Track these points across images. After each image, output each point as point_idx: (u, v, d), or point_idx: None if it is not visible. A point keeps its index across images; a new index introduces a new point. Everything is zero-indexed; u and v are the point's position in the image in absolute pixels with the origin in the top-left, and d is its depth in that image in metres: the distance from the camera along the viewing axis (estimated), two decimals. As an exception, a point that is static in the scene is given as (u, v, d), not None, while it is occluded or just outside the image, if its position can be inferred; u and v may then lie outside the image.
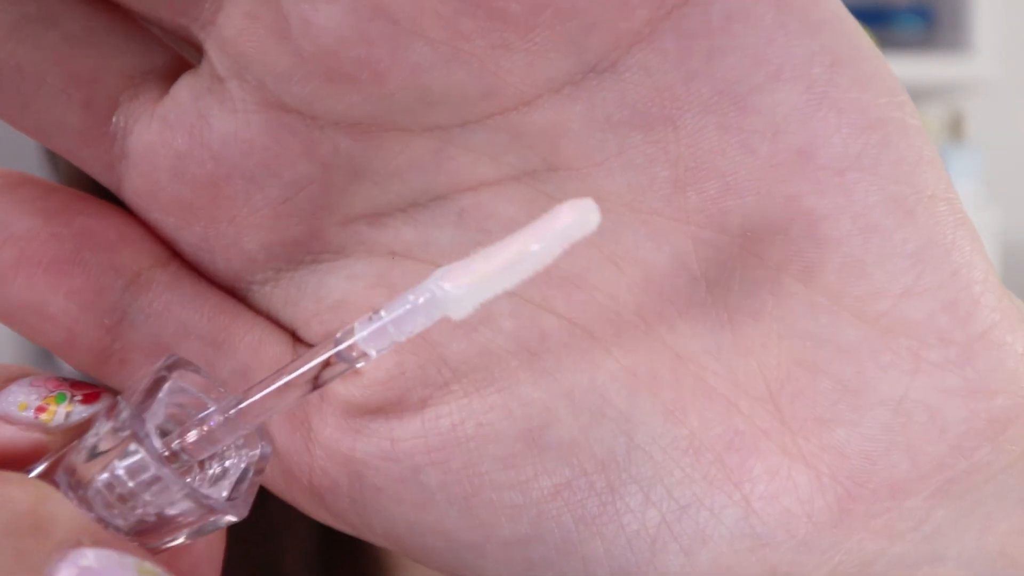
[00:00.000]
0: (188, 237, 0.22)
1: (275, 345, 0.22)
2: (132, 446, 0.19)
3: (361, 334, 0.19)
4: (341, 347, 0.19)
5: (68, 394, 0.21)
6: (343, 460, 0.22)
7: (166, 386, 0.20)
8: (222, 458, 0.21)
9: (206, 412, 0.20)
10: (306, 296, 0.22)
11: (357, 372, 0.22)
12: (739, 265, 0.21)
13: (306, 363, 0.20)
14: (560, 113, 0.20)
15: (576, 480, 0.22)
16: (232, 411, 0.20)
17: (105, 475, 0.19)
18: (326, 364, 0.20)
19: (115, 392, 0.21)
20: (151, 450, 0.19)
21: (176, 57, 0.21)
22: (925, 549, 0.21)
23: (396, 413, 0.22)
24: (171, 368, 0.20)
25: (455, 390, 0.22)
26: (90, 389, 0.21)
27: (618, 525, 0.22)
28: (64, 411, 0.21)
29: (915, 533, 0.21)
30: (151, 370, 0.20)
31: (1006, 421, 0.20)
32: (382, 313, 0.19)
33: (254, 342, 0.22)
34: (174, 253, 0.22)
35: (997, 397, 0.20)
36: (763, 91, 0.19)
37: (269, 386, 0.20)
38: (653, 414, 0.21)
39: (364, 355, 0.19)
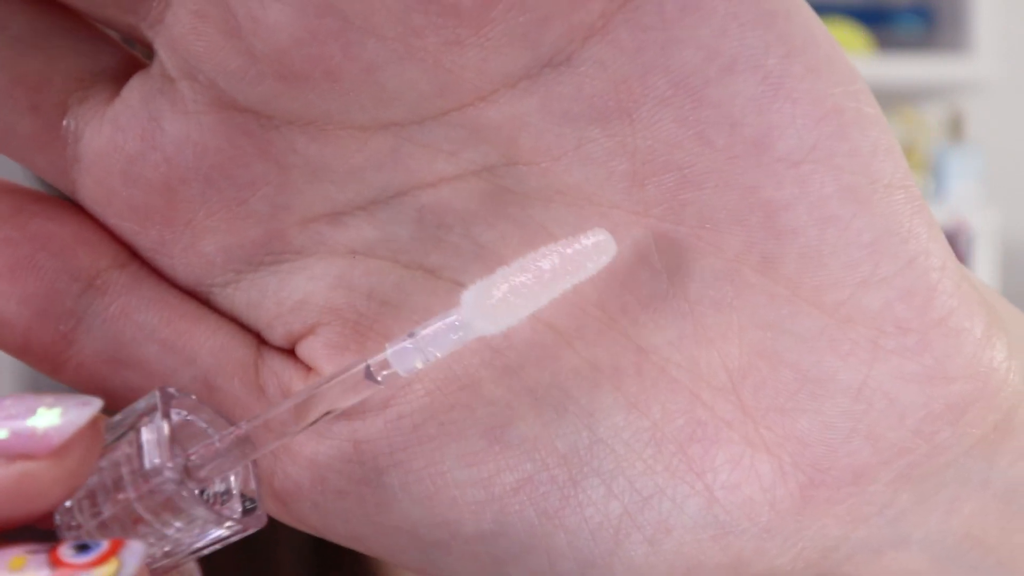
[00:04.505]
0: (145, 241, 0.21)
1: (239, 349, 0.22)
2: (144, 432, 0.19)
3: (391, 351, 0.20)
4: (359, 367, 0.20)
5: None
6: (306, 464, 0.22)
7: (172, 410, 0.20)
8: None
9: (219, 434, 0.20)
10: (267, 298, 0.22)
11: (319, 375, 0.22)
12: (699, 256, 0.21)
13: (330, 381, 0.20)
14: (517, 108, 0.20)
15: (538, 474, 0.22)
16: (243, 430, 0.20)
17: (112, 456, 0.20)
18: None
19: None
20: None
21: (128, 57, 0.21)
22: (889, 533, 0.21)
23: (358, 415, 0.22)
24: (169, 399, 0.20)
25: (417, 390, 0.22)
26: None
27: (581, 517, 0.22)
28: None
29: (879, 517, 0.21)
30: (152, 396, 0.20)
31: (965, 405, 0.20)
32: (417, 332, 0.20)
33: (216, 347, 0.22)
34: (133, 253, 0.22)
35: (955, 382, 0.20)
36: (718, 83, 0.19)
37: (276, 408, 0.20)
38: (615, 407, 0.21)
39: (395, 376, 0.20)
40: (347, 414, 0.22)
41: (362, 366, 0.20)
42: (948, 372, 0.20)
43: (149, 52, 0.20)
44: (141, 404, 0.20)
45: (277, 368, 0.22)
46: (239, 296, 0.22)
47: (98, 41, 0.21)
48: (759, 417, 0.21)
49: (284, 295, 0.22)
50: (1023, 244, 1.86)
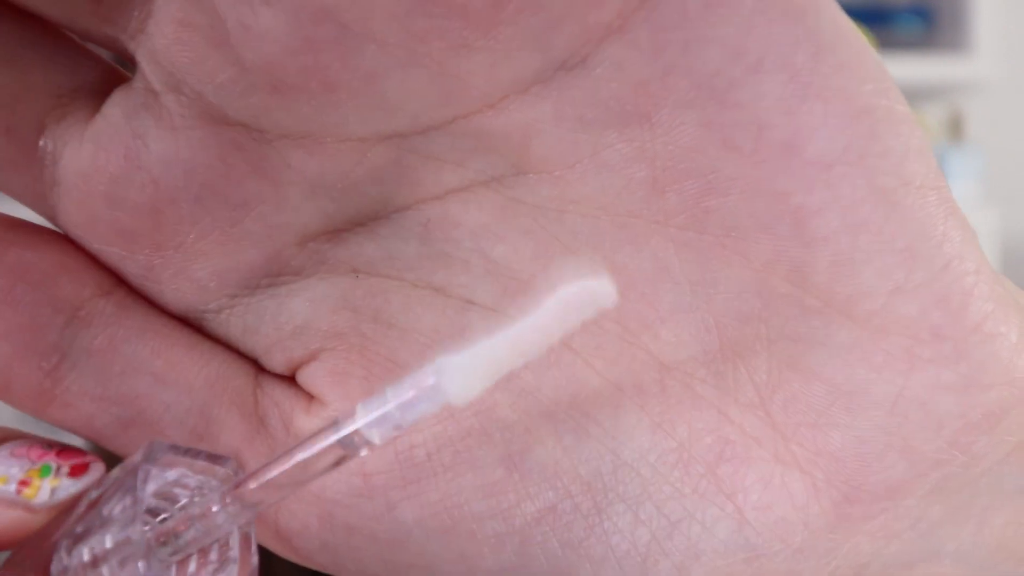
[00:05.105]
0: (131, 268, 0.20)
1: (235, 378, 0.21)
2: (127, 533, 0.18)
3: (364, 421, 0.18)
4: (343, 433, 0.18)
5: (54, 466, 0.19)
6: (312, 500, 0.21)
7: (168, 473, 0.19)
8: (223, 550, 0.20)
9: (198, 502, 0.19)
10: (265, 323, 0.21)
11: (322, 404, 0.21)
12: (723, 267, 0.19)
13: (303, 451, 0.19)
14: (528, 114, 0.19)
15: (561, 503, 0.21)
16: (227, 501, 0.19)
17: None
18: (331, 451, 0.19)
19: (105, 460, 0.20)
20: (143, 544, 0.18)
21: (108, 71, 0.20)
22: (922, 546, 0.20)
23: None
24: (155, 457, 0.19)
25: (428, 417, 0.21)
26: (79, 459, 0.20)
27: (607, 547, 0.21)
28: (49, 487, 0.19)
29: (911, 531, 0.20)
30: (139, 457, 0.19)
31: (1001, 413, 0.19)
32: (387, 394, 0.18)
33: (211, 377, 0.21)
34: (119, 280, 0.21)
35: (992, 390, 0.19)
36: (745, 83, 0.18)
37: (264, 475, 0.19)
38: (639, 428, 0.21)
39: (367, 443, 0.19)
40: None
41: (334, 438, 0.19)
42: (985, 380, 0.19)
43: (132, 65, 0.19)
44: (130, 463, 0.19)
45: (277, 397, 0.21)
46: (234, 322, 0.21)
47: (75, 55, 0.20)
48: (790, 433, 0.20)
49: (283, 319, 0.21)
50: (1023, 244, 1.86)
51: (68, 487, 0.19)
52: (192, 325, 0.21)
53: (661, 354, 0.20)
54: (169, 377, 0.21)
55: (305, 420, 0.21)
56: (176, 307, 0.21)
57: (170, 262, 0.20)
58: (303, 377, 0.21)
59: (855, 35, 0.18)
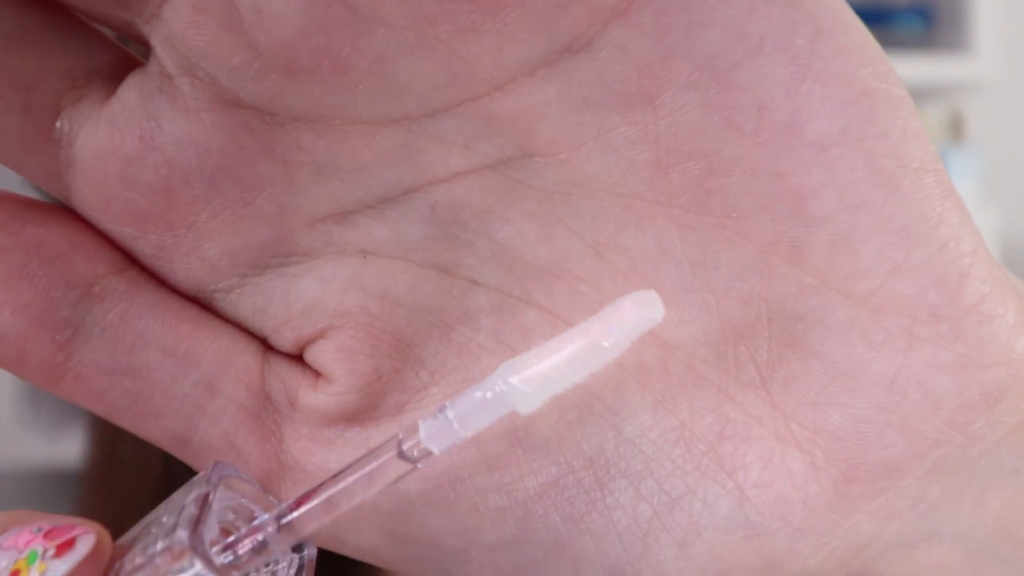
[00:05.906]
0: (144, 247, 0.21)
1: (244, 353, 0.21)
2: (189, 563, 0.19)
3: (425, 432, 0.19)
4: (391, 454, 0.19)
5: (40, 550, 0.20)
6: (316, 473, 0.21)
7: (216, 496, 0.20)
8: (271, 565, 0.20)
9: (257, 523, 0.20)
10: (274, 302, 0.21)
11: (328, 380, 0.21)
12: (724, 247, 0.20)
13: (363, 467, 0.19)
14: (535, 97, 0.19)
15: (563, 478, 0.21)
16: (284, 520, 0.20)
17: None
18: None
19: (93, 529, 0.20)
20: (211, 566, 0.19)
21: (123, 55, 0.20)
22: (921, 527, 0.21)
23: (372, 420, 0.21)
24: (217, 480, 0.20)
25: (434, 393, 0.21)
26: (64, 535, 0.20)
27: (608, 521, 0.21)
28: (37, 573, 0.19)
29: (911, 512, 0.20)
30: (198, 480, 0.20)
31: (999, 393, 0.20)
32: (448, 411, 0.19)
33: (221, 351, 0.21)
34: (132, 259, 0.21)
35: (989, 370, 0.19)
36: (745, 66, 0.18)
37: (321, 493, 0.20)
38: (642, 406, 0.21)
39: (427, 454, 0.19)
40: (360, 420, 0.21)
41: (393, 453, 0.19)
42: (982, 359, 0.19)
43: (146, 49, 0.19)
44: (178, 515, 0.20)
45: (284, 374, 0.22)
46: (244, 301, 0.21)
47: (92, 38, 0.20)
48: (789, 412, 0.20)
49: (292, 299, 0.21)
50: (1023, 244, 1.86)
51: (56, 569, 0.19)
52: (202, 304, 0.21)
53: (663, 333, 0.21)
54: (178, 350, 0.21)
55: (311, 396, 0.21)
56: (187, 286, 0.21)
57: (182, 242, 0.20)
58: (311, 355, 0.21)
59: (853, 20, 0.19)
